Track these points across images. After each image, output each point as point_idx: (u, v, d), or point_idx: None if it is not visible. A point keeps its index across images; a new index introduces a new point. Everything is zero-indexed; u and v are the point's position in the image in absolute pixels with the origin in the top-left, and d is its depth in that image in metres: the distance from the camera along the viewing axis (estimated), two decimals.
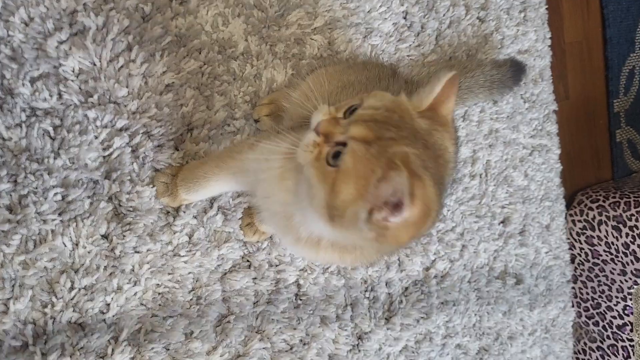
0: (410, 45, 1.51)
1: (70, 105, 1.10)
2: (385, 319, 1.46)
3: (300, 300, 1.34)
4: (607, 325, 1.81)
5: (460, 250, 1.59)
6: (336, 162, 0.69)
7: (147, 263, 1.15)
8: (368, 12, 1.45)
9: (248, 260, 1.28)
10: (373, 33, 1.45)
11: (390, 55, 1.48)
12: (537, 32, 1.75)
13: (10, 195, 1.03)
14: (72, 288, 1.08)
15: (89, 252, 1.10)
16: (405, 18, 1.51)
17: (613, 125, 2.02)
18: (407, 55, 1.51)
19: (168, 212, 1.18)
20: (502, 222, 1.69)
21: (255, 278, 1.28)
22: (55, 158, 1.07)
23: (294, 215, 0.83)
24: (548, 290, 1.80)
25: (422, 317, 1.52)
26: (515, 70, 1.52)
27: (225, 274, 1.25)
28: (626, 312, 1.75)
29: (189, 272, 1.20)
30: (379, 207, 0.66)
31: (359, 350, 1.41)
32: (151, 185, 1.15)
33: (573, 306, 1.88)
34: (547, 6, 1.79)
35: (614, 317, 1.78)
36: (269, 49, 1.31)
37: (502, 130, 1.66)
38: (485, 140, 1.63)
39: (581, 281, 1.88)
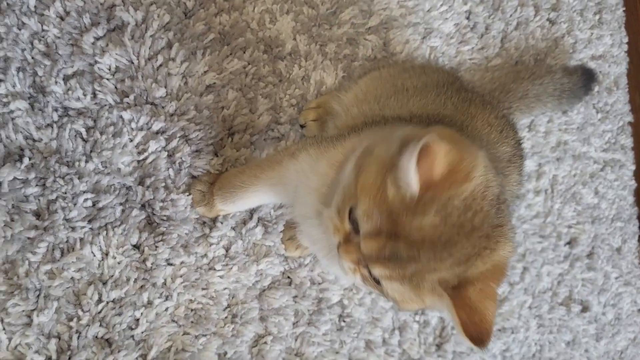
0: (472, 47, 1.39)
1: (105, 105, 1.03)
2: (436, 345, 1.34)
3: (344, 322, 1.23)
4: None
5: (521, 273, 1.46)
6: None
7: (180, 277, 1.07)
8: (428, 11, 1.33)
9: (289, 277, 1.18)
10: (432, 34, 1.34)
11: (450, 58, 1.36)
12: (613, 36, 1.60)
13: (39, 199, 0.97)
14: (99, 301, 1.01)
15: (118, 263, 1.03)
16: (468, 18, 1.39)
17: None
18: (469, 59, 1.39)
19: (204, 222, 1.10)
20: (569, 243, 1.54)
21: (295, 296, 1.18)
22: (86, 161, 1.01)
23: None
24: (617, 319, 1.64)
25: None
26: (586, 79, 1.39)
27: (264, 290, 1.15)
28: None
29: (225, 288, 1.11)
30: None
31: None
32: (187, 194, 1.07)
33: None
34: (624, 8, 1.63)
35: None
36: (318, 49, 1.22)
37: (571, 143, 1.52)
38: (552, 153, 1.49)
39: None
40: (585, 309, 1.57)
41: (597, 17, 1.57)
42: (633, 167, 1.65)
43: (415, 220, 0.60)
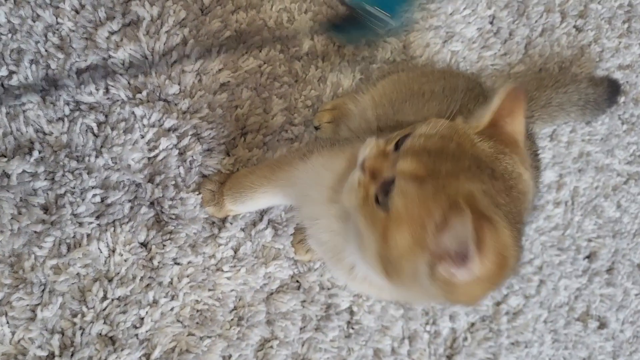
0: (495, 53, 1.35)
1: (117, 100, 1.02)
2: (447, 356, 1.31)
3: (353, 329, 1.21)
4: None
5: (538, 286, 1.42)
6: (386, 203, 0.58)
7: (187, 277, 1.06)
8: (450, 14, 1.30)
9: (297, 281, 1.16)
10: (454, 38, 1.31)
11: (472, 63, 1.33)
12: None
13: (47, 193, 0.97)
14: (104, 298, 1.00)
15: (125, 261, 1.02)
16: (491, 23, 1.36)
17: None
18: (491, 65, 1.35)
19: (213, 222, 1.08)
20: (588, 257, 1.50)
21: (304, 301, 1.16)
22: (96, 157, 1.00)
23: (344, 249, 0.70)
24: (636, 337, 1.59)
25: (488, 358, 1.35)
26: (611, 91, 1.36)
27: (272, 294, 1.14)
28: None
29: (232, 290, 1.10)
30: (441, 259, 0.53)
31: None
32: (197, 193, 1.06)
33: None
34: None
35: None
36: (336, 50, 1.19)
37: (594, 154, 1.47)
38: (574, 164, 1.45)
39: None
40: (602, 325, 1.52)
41: (626, 25, 1.53)
42: None
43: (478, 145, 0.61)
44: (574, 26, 1.46)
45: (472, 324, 1.34)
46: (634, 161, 1.55)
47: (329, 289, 1.18)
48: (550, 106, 1.26)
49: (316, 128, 1.16)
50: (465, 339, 1.33)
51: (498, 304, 1.38)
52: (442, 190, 0.55)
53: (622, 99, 1.51)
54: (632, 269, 1.56)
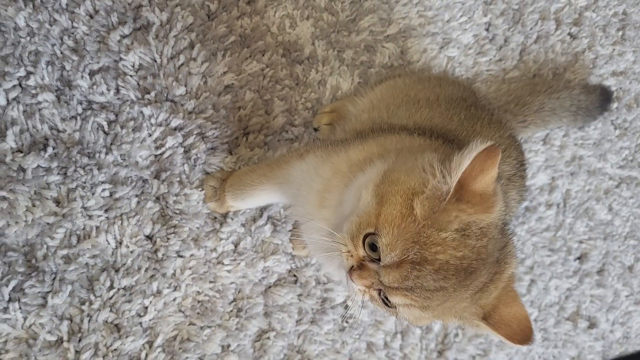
0: (490, 59, 1.40)
1: (127, 100, 1.08)
2: (438, 352, 1.36)
3: (347, 322, 1.26)
4: None
5: (529, 285, 1.46)
6: (392, 305, 0.70)
7: (189, 269, 1.11)
8: (447, 21, 1.35)
9: (295, 275, 1.21)
10: (451, 44, 1.35)
11: (467, 68, 1.37)
12: (636, 53, 1.58)
13: (59, 187, 1.02)
14: (111, 287, 1.06)
15: (131, 252, 1.07)
16: (487, 30, 1.40)
17: None
18: (486, 70, 1.40)
19: (215, 218, 1.14)
20: (579, 258, 1.54)
21: (300, 295, 1.21)
22: (106, 153, 1.05)
23: (333, 250, 0.75)
24: (625, 338, 1.63)
25: (479, 354, 1.40)
26: (603, 99, 1.40)
27: (270, 287, 1.19)
28: None
29: (232, 282, 1.15)
30: None
31: None
32: (200, 189, 1.11)
33: None
34: None
35: None
36: (336, 54, 1.24)
37: (586, 158, 1.51)
38: (566, 168, 1.49)
39: None
40: (592, 325, 1.56)
41: (620, 33, 1.56)
42: None
43: (439, 234, 0.63)
44: (569, 33, 1.50)
45: None
46: (626, 165, 1.58)
47: (324, 283, 1.23)
48: (543, 111, 1.30)
49: (315, 130, 1.20)
50: (457, 335, 1.38)
51: None
52: (443, 311, 0.69)
53: (615, 105, 1.55)
54: (622, 270, 1.60)
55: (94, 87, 1.05)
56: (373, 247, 0.67)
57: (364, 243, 0.68)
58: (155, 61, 1.09)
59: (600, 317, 1.57)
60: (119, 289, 1.06)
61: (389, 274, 0.65)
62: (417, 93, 1.05)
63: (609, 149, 1.55)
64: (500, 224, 0.69)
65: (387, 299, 0.69)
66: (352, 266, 0.70)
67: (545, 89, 1.35)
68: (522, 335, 0.71)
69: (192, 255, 1.11)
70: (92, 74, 1.05)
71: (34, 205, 1.01)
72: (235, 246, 1.15)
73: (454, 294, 0.66)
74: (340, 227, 0.73)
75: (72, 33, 1.04)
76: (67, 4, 1.05)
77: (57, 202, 1.02)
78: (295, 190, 0.87)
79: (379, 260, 0.67)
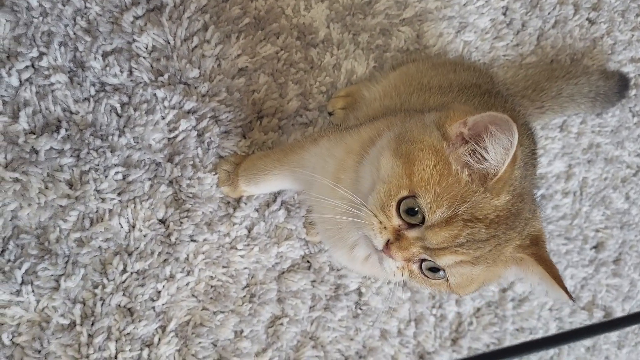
0: (507, 44, 1.37)
1: (140, 82, 1.06)
2: (452, 340, 1.35)
3: (361, 309, 1.24)
4: None
5: None
6: (437, 273, 0.68)
7: (203, 253, 1.10)
8: (464, 5, 1.33)
9: (308, 261, 1.20)
10: (467, 28, 1.33)
11: (484, 53, 1.35)
12: None
13: (72, 170, 1.01)
14: (124, 271, 1.05)
15: (144, 236, 1.06)
16: (504, 14, 1.38)
17: None
18: (503, 55, 1.37)
19: (229, 202, 1.13)
20: (595, 247, 1.52)
21: (314, 281, 1.20)
22: (119, 136, 1.04)
23: (348, 229, 0.74)
24: None
25: (493, 343, 1.38)
26: (622, 85, 1.37)
27: (283, 273, 1.18)
28: None
29: (245, 268, 1.14)
30: None
31: None
32: (214, 173, 1.10)
33: None
34: None
35: None
36: (351, 38, 1.22)
37: (604, 146, 1.49)
38: (583, 155, 1.46)
39: None
40: (608, 315, 1.54)
41: None
42: None
43: (493, 200, 0.63)
44: (587, 19, 1.47)
45: (478, 309, 1.37)
46: None
47: (338, 270, 1.22)
48: (561, 97, 1.28)
49: (330, 114, 1.19)
50: (471, 323, 1.36)
51: (504, 290, 1.40)
52: (495, 259, 0.66)
53: (633, 92, 1.52)
54: (639, 260, 1.58)
55: (107, 68, 1.04)
56: (410, 212, 0.65)
57: (397, 211, 0.65)
58: (169, 43, 1.08)
59: (616, 306, 1.55)
60: (132, 273, 1.05)
61: (437, 234, 0.63)
62: (430, 80, 1.03)
63: (627, 136, 1.53)
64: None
65: (427, 270, 0.68)
66: (388, 240, 0.66)
67: (563, 75, 1.32)
68: (561, 284, 0.69)
69: (205, 239, 1.10)
70: (105, 55, 1.04)
71: (46, 188, 1.00)
72: (249, 231, 1.14)
73: (504, 237, 0.65)
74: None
75: (85, 13, 1.03)
76: None
77: (70, 184, 1.01)
78: (309, 174, 0.86)
79: (420, 224, 0.64)
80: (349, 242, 0.77)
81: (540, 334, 1.44)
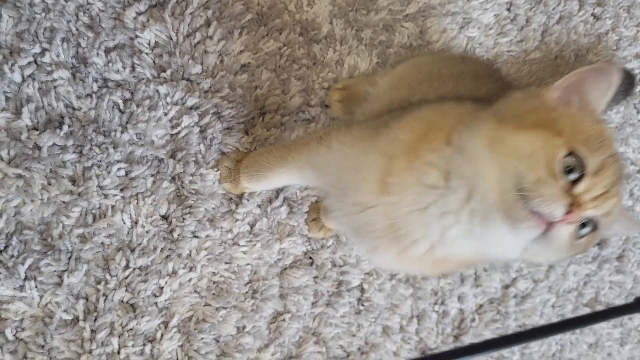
0: (511, 40, 1.37)
1: (143, 79, 1.06)
2: (454, 336, 1.35)
3: (363, 306, 1.25)
4: None
5: (547, 271, 1.44)
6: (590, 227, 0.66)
7: (205, 249, 1.10)
8: (467, 0, 1.32)
9: (310, 258, 1.20)
10: (471, 24, 1.32)
11: (488, 49, 1.34)
12: None
13: (75, 166, 1.01)
14: (127, 267, 1.05)
15: (147, 232, 1.06)
16: (509, 10, 1.37)
17: None
18: (507, 51, 1.37)
19: (231, 199, 1.13)
20: (598, 244, 1.52)
21: (316, 277, 1.20)
22: (122, 132, 1.04)
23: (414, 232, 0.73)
24: None
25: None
26: (628, 83, 1.37)
27: (285, 269, 1.18)
28: None
29: (247, 264, 1.14)
30: None
31: None
32: (216, 169, 1.10)
33: None
34: None
35: None
36: (354, 34, 1.22)
37: None
38: None
39: None
40: None
41: None
42: None
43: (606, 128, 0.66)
44: (592, 14, 1.46)
45: (480, 306, 1.38)
46: None
47: (340, 266, 1.22)
48: None
49: (326, 106, 1.18)
50: (473, 320, 1.36)
51: (506, 287, 1.41)
52: None
53: (638, 89, 1.51)
54: None
55: (110, 64, 1.04)
56: (567, 171, 0.63)
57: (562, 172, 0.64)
58: (171, 39, 1.08)
59: (619, 303, 1.55)
60: (134, 269, 1.06)
61: (605, 177, 0.63)
62: (440, 69, 1.02)
63: (631, 133, 1.52)
64: None
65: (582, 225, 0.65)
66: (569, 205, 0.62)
67: (568, 71, 1.31)
68: None
69: (207, 235, 1.11)
70: (107, 51, 1.04)
71: (49, 184, 1.00)
72: (251, 227, 1.14)
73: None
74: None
75: (88, 9, 1.03)
76: None
77: (73, 180, 1.02)
78: (322, 176, 0.85)
79: (580, 178, 0.62)
80: (409, 240, 0.74)
81: None
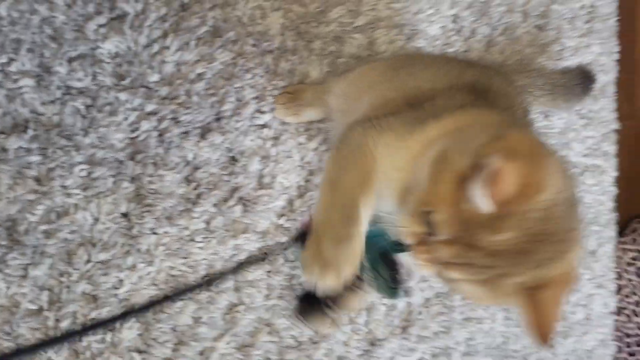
0: (457, 50, 1.46)
1: (104, 86, 1.14)
2: (402, 328, 1.43)
3: None
4: None
5: None
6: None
7: (163, 245, 1.19)
8: (415, 13, 1.41)
9: (264, 253, 1.28)
10: (418, 35, 1.41)
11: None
12: (603, 45, 1.64)
13: (39, 167, 1.10)
14: (88, 261, 1.13)
15: (107, 229, 1.14)
16: (454, 22, 1.46)
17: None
18: None
19: (188, 198, 1.21)
20: None
21: (269, 271, 1.28)
22: (84, 136, 1.12)
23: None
24: (587, 319, 1.69)
25: (441, 331, 1.47)
26: (584, 77, 1.40)
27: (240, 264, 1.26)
28: None
29: (203, 258, 1.22)
30: None
31: (370, 357, 1.39)
32: (174, 171, 1.18)
33: (614, 340, 1.77)
34: (618, 18, 1.67)
35: None
36: (305, 45, 1.31)
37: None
38: None
39: (626, 314, 1.75)
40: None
41: (588, 25, 1.62)
42: (614, 174, 1.69)
43: (493, 236, 0.63)
44: (536, 25, 1.55)
45: (427, 300, 1.46)
46: (591, 154, 1.64)
47: (292, 261, 1.31)
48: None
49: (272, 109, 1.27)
50: (420, 313, 1.45)
51: None
52: (499, 287, 0.67)
53: (591, 90, 1.58)
54: (585, 255, 1.67)
55: (72, 73, 1.12)
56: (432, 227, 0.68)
57: (424, 220, 0.69)
58: (131, 49, 1.16)
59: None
60: (96, 263, 1.14)
61: (443, 249, 0.67)
62: (412, 61, 1.06)
63: (574, 137, 1.61)
64: (566, 201, 0.66)
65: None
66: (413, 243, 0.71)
67: (516, 68, 1.39)
68: (542, 333, 0.67)
69: (165, 232, 1.19)
70: (70, 60, 1.12)
71: (15, 183, 1.08)
72: (207, 225, 1.23)
73: (508, 272, 0.65)
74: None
75: (51, 22, 1.11)
76: None
77: (38, 180, 1.10)
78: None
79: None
80: None
81: (487, 324, 1.53)
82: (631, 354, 1.76)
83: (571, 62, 1.59)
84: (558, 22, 1.58)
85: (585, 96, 1.46)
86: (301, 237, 0.86)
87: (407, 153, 0.77)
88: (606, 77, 1.66)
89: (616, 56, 1.68)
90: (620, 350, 1.78)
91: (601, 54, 1.64)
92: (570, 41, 1.60)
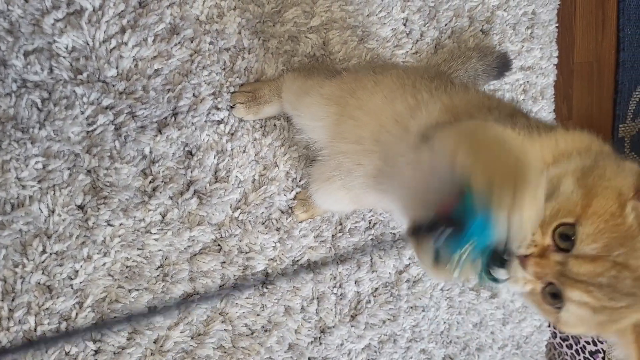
0: (407, 51, 1.53)
1: (60, 80, 1.16)
2: (351, 316, 1.50)
3: (267, 288, 1.38)
4: (580, 350, 1.81)
5: None
6: (556, 302, 0.67)
7: (119, 237, 1.21)
8: (367, 16, 1.47)
9: (219, 245, 1.33)
10: (370, 37, 1.47)
11: (385, 60, 1.50)
12: (543, 50, 1.74)
13: None
14: (43, 252, 1.15)
15: (63, 220, 1.16)
16: (405, 25, 1.53)
17: (616, 150, 1.99)
18: (403, 61, 1.53)
19: (144, 191, 1.24)
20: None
21: (223, 262, 1.33)
22: (40, 129, 1.14)
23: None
24: (525, 307, 1.81)
25: (388, 319, 1.55)
26: (503, 64, 1.54)
27: (195, 255, 1.30)
28: (600, 339, 1.75)
29: (159, 250, 1.26)
30: None
31: (321, 343, 1.46)
32: (130, 164, 1.21)
33: (549, 326, 1.89)
34: (557, 24, 1.78)
35: (588, 343, 1.78)
36: (261, 43, 1.35)
37: None
38: None
39: None
40: (494, 295, 1.73)
41: (529, 31, 1.72)
42: None
43: None
44: (481, 30, 1.64)
45: (376, 289, 1.54)
46: None
47: (247, 252, 1.35)
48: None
49: (231, 107, 1.31)
50: (369, 301, 1.52)
51: (400, 272, 1.57)
52: (613, 320, 0.65)
53: (521, 97, 1.70)
54: None
55: (28, 66, 1.13)
56: (562, 237, 0.65)
57: (553, 231, 0.66)
58: (88, 44, 1.17)
59: (502, 288, 1.74)
60: (51, 254, 1.16)
61: (582, 265, 0.63)
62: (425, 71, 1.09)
63: None
64: None
65: (549, 295, 0.67)
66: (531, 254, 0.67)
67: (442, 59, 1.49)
68: None
69: (121, 224, 1.21)
70: (26, 54, 1.13)
71: None
72: (163, 217, 1.26)
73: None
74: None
75: (8, 15, 1.12)
76: None
77: None
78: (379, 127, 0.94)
79: (568, 250, 0.65)
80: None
81: (432, 311, 1.61)
82: (563, 339, 1.89)
83: (514, 65, 1.69)
84: (502, 27, 1.67)
85: (502, 76, 1.59)
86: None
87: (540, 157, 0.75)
88: (546, 80, 1.76)
89: (555, 60, 1.79)
90: (555, 335, 1.90)
91: (541, 58, 1.74)
92: (513, 45, 1.69)
